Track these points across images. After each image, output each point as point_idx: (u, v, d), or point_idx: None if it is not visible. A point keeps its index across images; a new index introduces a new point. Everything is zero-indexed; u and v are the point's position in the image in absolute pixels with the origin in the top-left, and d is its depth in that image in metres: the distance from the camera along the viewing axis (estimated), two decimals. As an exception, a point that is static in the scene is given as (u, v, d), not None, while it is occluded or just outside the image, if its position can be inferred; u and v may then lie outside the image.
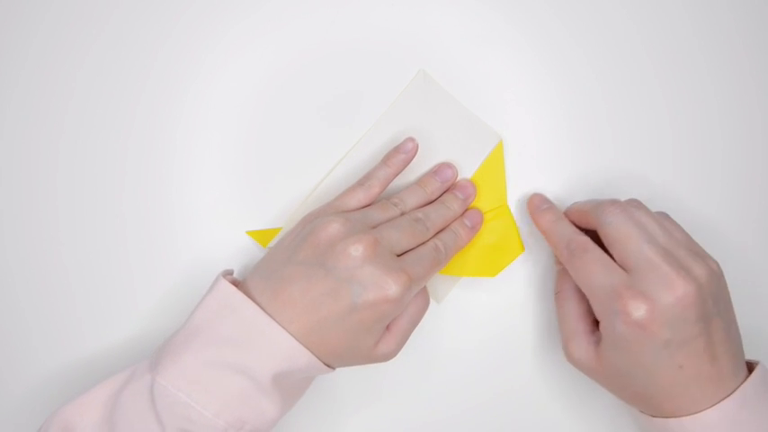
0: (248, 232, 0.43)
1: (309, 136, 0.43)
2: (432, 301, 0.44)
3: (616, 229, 0.37)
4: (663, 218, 0.38)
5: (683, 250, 0.36)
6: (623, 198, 0.40)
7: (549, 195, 0.44)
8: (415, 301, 0.39)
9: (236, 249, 0.43)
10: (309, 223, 0.38)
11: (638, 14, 0.44)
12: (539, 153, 0.44)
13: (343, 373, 0.43)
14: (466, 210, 0.42)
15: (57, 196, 0.43)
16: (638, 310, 0.34)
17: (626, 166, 0.44)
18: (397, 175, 0.41)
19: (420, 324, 0.44)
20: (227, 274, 0.39)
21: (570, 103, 0.44)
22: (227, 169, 0.44)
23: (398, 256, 0.38)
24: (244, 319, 0.35)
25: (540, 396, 0.44)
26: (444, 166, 0.43)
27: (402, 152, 0.41)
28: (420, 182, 0.42)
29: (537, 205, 0.42)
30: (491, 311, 0.44)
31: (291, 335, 0.35)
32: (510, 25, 0.44)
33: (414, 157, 0.42)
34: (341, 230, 0.36)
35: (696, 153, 0.45)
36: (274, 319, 0.35)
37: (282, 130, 0.44)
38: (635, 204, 0.38)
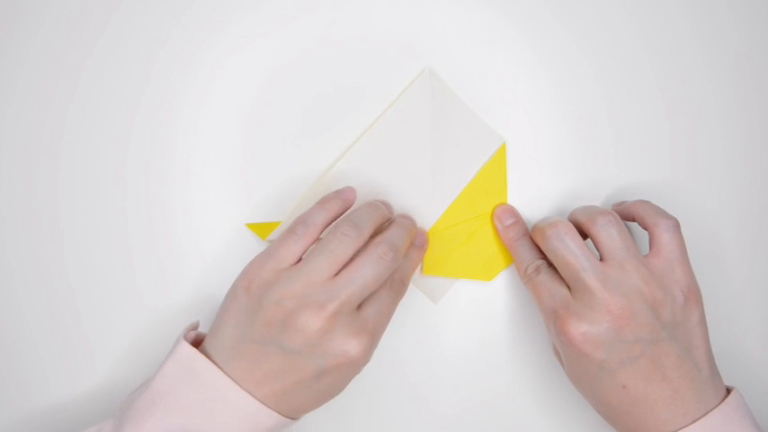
0: (248, 225, 0.43)
1: (310, 134, 0.43)
2: (429, 301, 0.44)
3: (554, 254, 0.37)
4: (624, 237, 0.37)
5: (635, 272, 0.36)
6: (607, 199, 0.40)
7: (549, 195, 0.44)
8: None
9: (237, 241, 0.43)
10: (255, 296, 0.35)
11: (639, 15, 0.44)
12: (538, 153, 0.44)
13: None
14: None
15: (57, 193, 0.43)
16: (574, 329, 0.35)
17: (626, 167, 0.44)
18: (334, 220, 0.38)
19: (418, 324, 0.44)
20: (192, 328, 0.38)
21: (570, 104, 0.44)
22: (229, 166, 0.44)
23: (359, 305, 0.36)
24: (207, 385, 0.34)
25: (539, 396, 0.44)
26: (347, 190, 0.40)
27: (341, 198, 0.39)
28: (369, 203, 0.39)
29: (501, 219, 0.43)
30: (489, 311, 0.44)
31: (257, 399, 0.35)
32: (510, 25, 0.44)
33: (351, 206, 0.39)
34: (292, 305, 0.34)
35: (696, 153, 0.45)
36: (238, 384, 0.35)
37: (283, 129, 0.44)
38: (605, 219, 0.37)
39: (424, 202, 0.43)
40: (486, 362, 0.44)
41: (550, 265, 0.39)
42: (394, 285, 0.38)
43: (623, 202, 0.42)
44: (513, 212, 0.43)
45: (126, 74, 0.43)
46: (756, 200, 0.45)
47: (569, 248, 0.37)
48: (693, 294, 0.37)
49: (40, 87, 0.43)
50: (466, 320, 0.44)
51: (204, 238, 0.43)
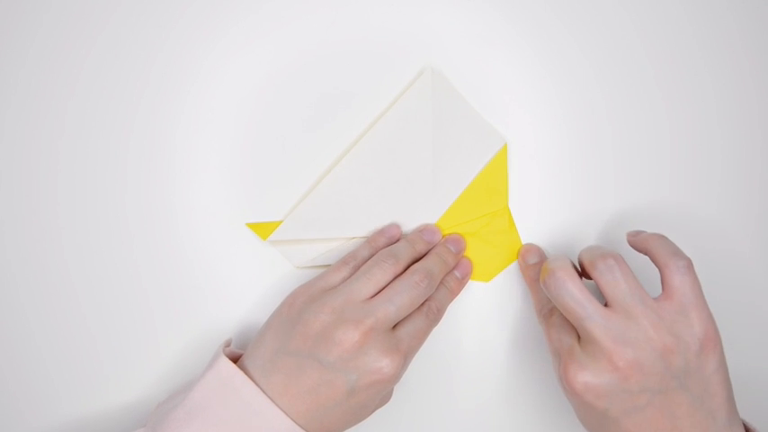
0: (248, 224, 0.43)
1: (310, 134, 0.43)
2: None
3: (557, 302, 0.36)
4: (628, 280, 0.36)
5: (644, 319, 0.35)
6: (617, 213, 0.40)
7: (549, 196, 0.44)
8: None
9: (237, 241, 0.43)
10: (297, 310, 0.37)
11: (640, 16, 0.44)
12: (539, 154, 0.44)
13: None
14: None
15: (57, 193, 0.43)
16: (576, 377, 0.35)
17: (626, 167, 0.44)
18: None
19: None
20: (226, 345, 0.39)
21: (571, 104, 0.44)
22: (229, 166, 0.44)
23: (395, 326, 0.38)
24: (244, 402, 0.35)
25: (538, 399, 0.44)
26: (431, 229, 0.43)
27: (385, 236, 0.42)
28: (408, 239, 0.42)
29: (525, 258, 0.43)
30: (488, 312, 0.44)
31: (291, 418, 0.35)
32: (510, 25, 0.44)
33: (395, 241, 0.42)
34: (330, 318, 0.36)
35: (696, 153, 0.45)
36: (274, 402, 0.35)
37: (283, 129, 0.44)
38: (608, 263, 0.36)
39: (425, 202, 0.43)
40: (485, 364, 0.44)
41: None
42: (430, 313, 0.39)
43: (640, 233, 0.39)
44: (538, 252, 0.43)
45: (126, 74, 0.43)
46: (757, 200, 0.45)
47: (571, 296, 0.35)
48: (710, 341, 0.35)
49: (39, 87, 0.43)
50: (464, 321, 0.44)
51: (204, 237, 0.43)
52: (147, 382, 0.43)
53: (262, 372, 0.36)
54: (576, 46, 0.44)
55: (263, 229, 0.43)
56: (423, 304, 0.39)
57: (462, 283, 0.42)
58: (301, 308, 0.37)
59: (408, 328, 0.38)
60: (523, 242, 0.44)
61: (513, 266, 0.44)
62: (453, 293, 0.42)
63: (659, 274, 0.36)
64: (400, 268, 0.39)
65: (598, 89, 0.44)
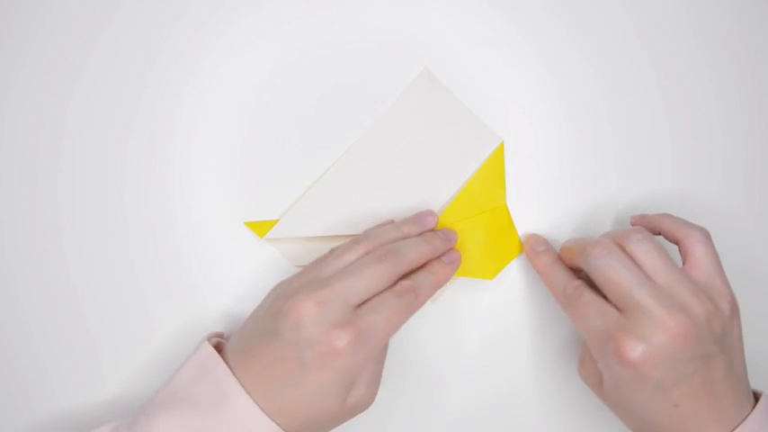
0: (247, 223, 0.43)
1: (309, 134, 0.44)
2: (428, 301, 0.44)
3: (604, 273, 0.36)
4: (660, 252, 0.36)
5: (683, 287, 0.35)
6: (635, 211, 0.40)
7: (548, 195, 0.44)
8: None
9: (236, 240, 0.44)
10: (274, 293, 0.37)
11: (640, 15, 0.45)
12: (538, 153, 0.44)
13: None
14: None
15: (57, 193, 0.43)
16: (632, 350, 0.34)
17: (625, 167, 0.44)
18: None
19: (416, 325, 0.44)
20: (216, 335, 0.39)
21: (570, 104, 0.44)
22: (229, 166, 0.44)
23: (361, 304, 0.36)
24: (217, 383, 0.35)
25: (537, 397, 0.44)
26: (425, 212, 0.41)
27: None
28: (397, 223, 0.40)
29: (532, 247, 0.42)
30: (488, 312, 0.44)
31: (252, 398, 0.34)
32: (510, 25, 0.44)
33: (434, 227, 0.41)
34: (287, 290, 0.36)
35: (696, 152, 0.45)
36: (241, 384, 0.35)
37: (282, 128, 0.44)
38: (636, 237, 0.37)
39: (423, 201, 0.43)
40: (484, 363, 0.44)
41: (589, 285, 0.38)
42: (402, 291, 0.36)
43: (645, 216, 0.41)
44: (544, 240, 0.43)
45: (126, 74, 0.43)
46: (757, 196, 0.45)
47: (620, 264, 0.35)
48: (736, 306, 0.36)
49: (39, 87, 0.43)
50: (462, 321, 0.44)
51: (203, 236, 0.43)
52: (146, 379, 0.43)
53: (235, 357, 0.36)
54: (575, 46, 0.44)
55: (260, 228, 0.43)
56: (397, 283, 0.37)
57: (449, 268, 0.40)
58: (277, 290, 0.37)
59: (373, 305, 0.35)
60: (522, 241, 0.44)
61: (514, 264, 0.44)
62: (437, 276, 0.39)
63: (678, 248, 0.37)
64: (368, 250, 0.38)
65: (598, 89, 0.44)
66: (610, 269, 0.36)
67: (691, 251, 0.37)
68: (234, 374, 0.35)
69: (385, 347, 0.38)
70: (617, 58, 0.44)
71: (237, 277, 0.43)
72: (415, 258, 0.38)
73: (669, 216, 0.39)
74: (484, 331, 0.44)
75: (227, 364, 0.35)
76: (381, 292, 0.36)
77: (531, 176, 0.44)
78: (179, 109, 0.44)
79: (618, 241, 0.37)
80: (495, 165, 0.44)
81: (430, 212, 0.42)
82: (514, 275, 0.44)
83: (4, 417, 0.43)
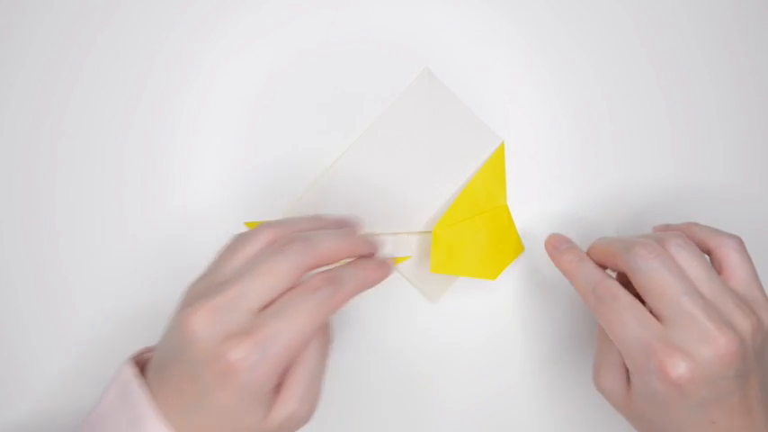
0: (246, 223, 0.43)
1: (309, 134, 0.44)
2: (428, 301, 0.44)
3: (650, 277, 0.32)
4: (701, 260, 0.34)
5: (728, 299, 0.32)
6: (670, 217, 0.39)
7: (549, 195, 0.44)
8: (312, 344, 0.32)
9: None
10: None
11: (640, 15, 0.45)
12: (538, 153, 0.44)
13: (341, 373, 0.43)
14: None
15: (56, 192, 0.43)
16: (677, 368, 0.31)
17: (626, 167, 0.44)
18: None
19: (417, 325, 0.44)
20: (147, 350, 0.35)
21: (570, 104, 0.44)
22: (229, 166, 0.44)
23: (268, 305, 0.30)
24: (132, 407, 0.31)
25: (537, 397, 0.44)
26: (352, 217, 0.36)
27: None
28: (314, 215, 0.35)
29: (555, 246, 0.39)
30: (487, 312, 0.44)
31: (173, 427, 0.30)
32: (510, 25, 0.44)
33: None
34: (187, 298, 0.32)
35: (697, 153, 0.45)
36: (160, 408, 0.31)
37: (282, 129, 0.44)
38: (677, 242, 0.34)
39: (423, 201, 0.43)
40: (484, 363, 0.44)
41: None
42: (315, 286, 0.31)
43: (670, 225, 0.38)
44: (566, 238, 0.39)
45: (125, 73, 0.43)
46: (758, 199, 0.45)
47: (668, 269, 0.32)
48: None
49: (39, 87, 0.43)
50: (462, 321, 0.44)
51: (204, 237, 0.43)
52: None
53: (155, 369, 0.32)
54: (575, 45, 0.44)
55: (260, 228, 0.43)
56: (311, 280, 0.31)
57: (380, 271, 0.33)
58: (183, 295, 0.33)
59: (278, 306, 0.30)
60: (522, 241, 0.44)
61: (515, 262, 0.44)
62: (365, 273, 0.33)
63: (709, 257, 0.35)
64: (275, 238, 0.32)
65: (598, 88, 0.44)
66: (659, 273, 0.32)
67: (726, 260, 0.34)
68: (152, 395, 0.31)
69: (317, 351, 0.32)
70: (617, 58, 0.44)
71: (237, 277, 0.43)
72: (327, 250, 0.32)
73: (697, 224, 0.36)
74: (483, 331, 0.44)
75: (147, 382, 0.31)
76: (291, 289, 0.31)
77: (531, 176, 0.44)
78: (179, 109, 0.44)
79: (658, 241, 0.34)
80: (496, 165, 0.44)
81: (357, 219, 0.37)
82: (514, 275, 0.44)
83: (5, 416, 0.43)
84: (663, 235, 0.34)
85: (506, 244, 0.44)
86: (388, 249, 0.43)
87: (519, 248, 0.44)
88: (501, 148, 0.44)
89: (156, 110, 0.43)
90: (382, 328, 0.44)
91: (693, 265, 0.33)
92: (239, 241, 0.33)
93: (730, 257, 0.34)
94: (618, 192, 0.44)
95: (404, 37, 0.44)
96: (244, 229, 0.43)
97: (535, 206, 0.44)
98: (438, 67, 0.44)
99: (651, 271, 0.32)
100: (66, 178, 0.43)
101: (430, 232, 0.44)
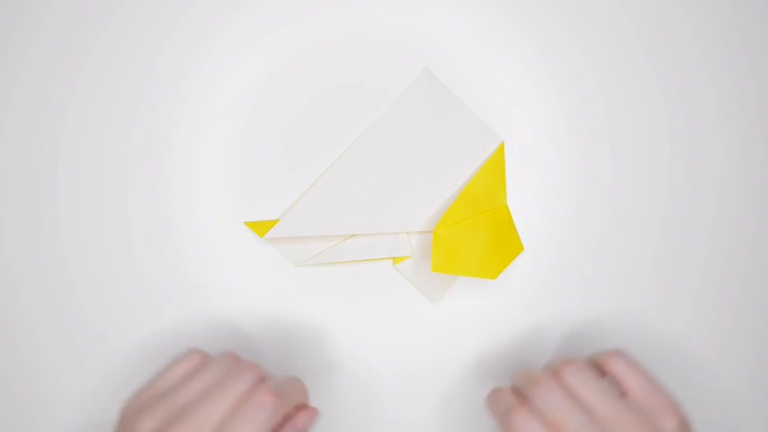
0: (247, 223, 0.43)
1: (309, 134, 0.44)
2: (428, 302, 0.44)
3: (551, 413, 0.33)
4: (596, 383, 0.34)
5: (627, 417, 0.33)
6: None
7: (549, 195, 0.44)
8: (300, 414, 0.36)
9: (236, 240, 0.44)
10: None
11: (639, 15, 0.45)
12: (538, 153, 0.44)
13: (341, 373, 0.43)
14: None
15: (57, 192, 0.43)
16: None
17: (625, 167, 0.44)
18: None
19: (417, 325, 0.44)
20: None
21: (570, 104, 0.44)
22: (229, 165, 0.44)
23: None
24: None
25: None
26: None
27: None
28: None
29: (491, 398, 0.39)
30: (487, 312, 0.44)
31: None
32: (510, 25, 0.44)
33: None
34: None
35: (695, 153, 0.45)
36: None
37: (282, 128, 0.44)
38: (570, 371, 0.34)
39: (424, 201, 0.43)
40: (488, 361, 0.44)
41: None
42: (253, 393, 0.33)
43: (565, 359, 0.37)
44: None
45: (126, 73, 0.43)
46: (756, 202, 0.45)
47: (563, 404, 0.33)
48: (684, 418, 0.33)
49: (39, 87, 0.43)
50: (462, 321, 0.44)
51: (203, 236, 0.43)
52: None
53: None
54: (575, 46, 0.44)
55: (260, 228, 0.43)
56: None
57: (307, 415, 0.37)
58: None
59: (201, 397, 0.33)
60: (522, 241, 0.44)
61: (514, 264, 0.44)
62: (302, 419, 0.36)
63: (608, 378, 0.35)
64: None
65: (597, 89, 0.44)
66: (553, 408, 0.33)
67: (618, 375, 0.35)
68: None
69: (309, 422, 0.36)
70: (617, 58, 0.44)
71: (237, 277, 0.43)
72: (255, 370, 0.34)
73: (585, 358, 0.37)
74: (483, 331, 0.44)
75: None
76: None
77: (531, 176, 0.44)
78: (179, 109, 0.44)
79: (555, 375, 0.35)
80: (496, 165, 0.44)
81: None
82: (514, 275, 0.44)
83: (5, 416, 0.43)
84: (558, 363, 0.35)
85: (507, 244, 0.44)
86: (388, 249, 0.44)
87: (519, 248, 0.44)
88: (501, 148, 0.44)
89: (157, 109, 0.43)
90: (382, 328, 0.44)
91: (588, 390, 0.33)
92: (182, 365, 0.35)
93: (621, 372, 0.35)
94: (617, 192, 0.44)
95: (404, 37, 0.44)
96: (244, 228, 0.43)
97: (535, 206, 0.44)
98: (438, 66, 0.44)
99: (548, 407, 0.33)
100: (67, 178, 0.43)
101: (430, 232, 0.44)
